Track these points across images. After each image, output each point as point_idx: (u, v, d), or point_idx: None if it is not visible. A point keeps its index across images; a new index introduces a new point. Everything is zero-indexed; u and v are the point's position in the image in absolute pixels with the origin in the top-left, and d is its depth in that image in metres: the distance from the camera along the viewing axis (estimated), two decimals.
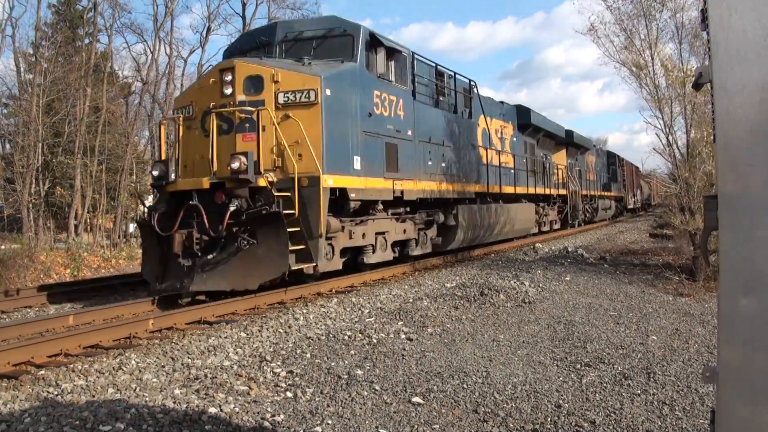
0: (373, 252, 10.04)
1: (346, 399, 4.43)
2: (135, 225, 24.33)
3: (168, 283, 8.21)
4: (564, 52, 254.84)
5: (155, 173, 8.77)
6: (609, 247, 17.04)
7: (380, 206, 10.15)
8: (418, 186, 11.09)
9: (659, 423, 4.05)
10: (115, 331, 6.37)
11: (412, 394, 4.55)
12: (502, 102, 17.57)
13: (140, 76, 28.85)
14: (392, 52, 10.60)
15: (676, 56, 11.65)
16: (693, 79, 1.79)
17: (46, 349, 5.68)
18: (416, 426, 3.96)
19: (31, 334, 6.53)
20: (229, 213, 7.72)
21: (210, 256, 7.89)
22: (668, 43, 11.91)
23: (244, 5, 29.69)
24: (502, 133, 16.31)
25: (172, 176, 8.78)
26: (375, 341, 6.15)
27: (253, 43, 10.24)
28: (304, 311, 7.52)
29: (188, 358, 5.48)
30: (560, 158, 22.88)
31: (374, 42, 10.03)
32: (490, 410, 4.25)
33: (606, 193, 31.60)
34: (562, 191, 22.47)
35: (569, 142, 23.46)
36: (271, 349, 5.83)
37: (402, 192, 10.48)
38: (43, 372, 5.09)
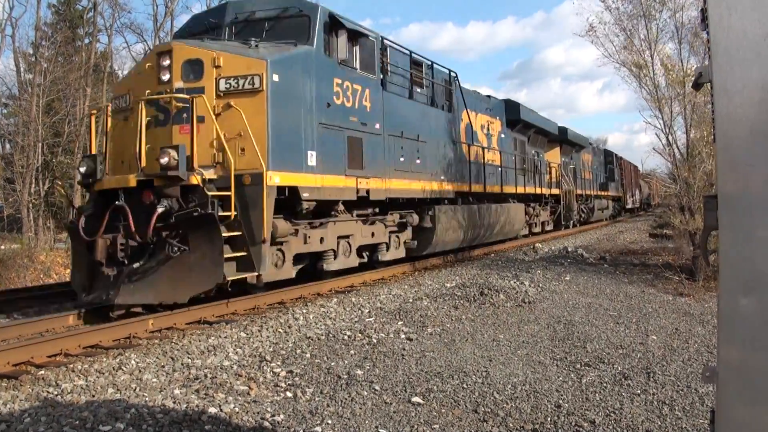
0: (335, 258, 9.11)
1: (345, 399, 4.43)
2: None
3: (95, 294, 7.29)
4: (564, 52, 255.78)
5: (82, 170, 7.83)
6: (609, 247, 17.04)
7: (342, 207, 9.18)
8: (387, 185, 10.05)
9: (659, 423, 4.05)
10: (115, 330, 6.37)
11: (412, 393, 4.55)
12: (489, 96, 16.47)
13: None
14: (357, 36, 9.39)
15: (676, 56, 11.69)
16: (693, 78, 1.79)
17: (46, 349, 5.69)
18: (416, 426, 3.97)
19: (31, 334, 6.53)
20: (156, 215, 6.85)
21: (136, 265, 6.96)
22: (668, 42, 11.93)
23: None
24: (488, 128, 15.29)
25: (100, 173, 7.78)
26: (375, 341, 6.15)
27: (203, 25, 9.16)
28: (304, 311, 7.52)
29: (188, 358, 5.48)
30: (554, 156, 21.81)
31: (335, 24, 8.87)
32: (489, 410, 4.25)
33: (603, 193, 30.78)
34: (555, 191, 21.46)
35: (563, 139, 22.46)
36: (271, 349, 5.83)
37: (368, 191, 9.48)
38: (43, 372, 5.09)
